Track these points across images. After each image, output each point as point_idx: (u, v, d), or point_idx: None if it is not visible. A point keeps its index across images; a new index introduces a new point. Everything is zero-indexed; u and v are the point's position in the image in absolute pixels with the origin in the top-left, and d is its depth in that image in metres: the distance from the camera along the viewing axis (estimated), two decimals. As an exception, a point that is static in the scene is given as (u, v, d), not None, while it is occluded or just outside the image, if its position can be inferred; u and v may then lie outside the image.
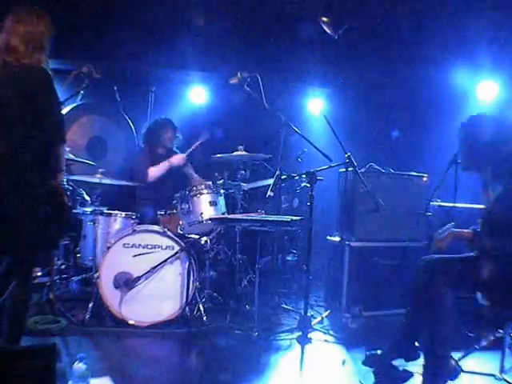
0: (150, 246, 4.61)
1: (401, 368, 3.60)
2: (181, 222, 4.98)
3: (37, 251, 3.33)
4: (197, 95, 7.61)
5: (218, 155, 5.32)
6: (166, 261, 4.58)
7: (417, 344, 3.59)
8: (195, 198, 4.97)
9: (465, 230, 3.55)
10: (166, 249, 4.63)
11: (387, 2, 5.98)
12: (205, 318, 4.62)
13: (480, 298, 3.49)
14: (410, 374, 3.56)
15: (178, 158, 5.75)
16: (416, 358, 3.58)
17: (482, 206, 3.62)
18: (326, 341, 4.43)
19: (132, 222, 5.10)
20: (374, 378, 3.57)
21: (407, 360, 3.61)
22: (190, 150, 5.81)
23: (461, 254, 3.63)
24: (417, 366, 3.57)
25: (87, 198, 5.46)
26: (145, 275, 4.54)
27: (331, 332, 4.62)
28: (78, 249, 5.37)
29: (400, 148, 7.03)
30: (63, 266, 5.41)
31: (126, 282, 4.51)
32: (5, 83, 3.10)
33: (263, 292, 4.93)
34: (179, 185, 5.70)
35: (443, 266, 3.40)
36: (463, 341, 4.03)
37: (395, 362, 3.62)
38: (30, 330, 4.01)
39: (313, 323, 4.63)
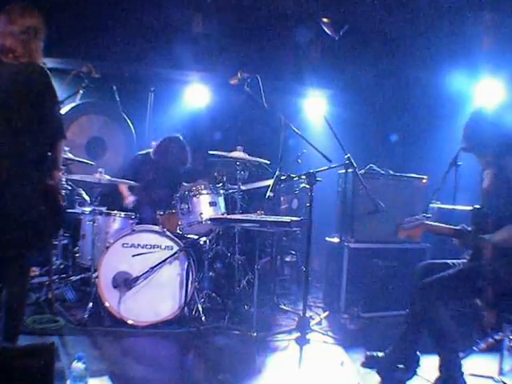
0: (149, 246, 4.61)
1: (402, 367, 3.60)
2: (180, 222, 4.97)
3: (29, 249, 3.31)
4: (196, 95, 7.61)
5: (216, 153, 5.31)
6: (164, 261, 4.57)
7: (418, 353, 3.59)
8: (195, 198, 4.96)
9: (444, 225, 3.55)
10: (165, 249, 4.63)
11: (387, 3, 5.99)
12: (203, 319, 4.62)
13: (479, 301, 3.50)
14: (412, 374, 3.57)
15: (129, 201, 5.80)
16: (416, 366, 3.58)
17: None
18: (324, 342, 4.43)
19: (131, 221, 5.10)
20: (378, 377, 3.57)
21: (408, 368, 3.60)
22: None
23: (458, 255, 3.65)
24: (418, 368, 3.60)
25: (86, 197, 5.45)
26: (144, 275, 4.53)
27: (330, 333, 4.62)
28: (76, 248, 5.38)
29: (400, 149, 7.04)
30: (62, 266, 5.41)
31: (124, 282, 4.51)
32: (3, 82, 3.09)
33: (262, 293, 4.92)
34: (175, 187, 5.71)
35: (439, 288, 3.38)
36: (462, 343, 4.03)
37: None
38: (28, 329, 4.02)
39: (311, 324, 4.62)
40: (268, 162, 5.39)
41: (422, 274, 3.62)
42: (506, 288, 3.28)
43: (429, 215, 3.74)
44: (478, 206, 3.52)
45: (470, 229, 3.50)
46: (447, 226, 3.55)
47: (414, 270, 3.78)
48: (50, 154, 3.20)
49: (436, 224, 3.57)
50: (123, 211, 5.23)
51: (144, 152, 5.94)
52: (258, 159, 5.32)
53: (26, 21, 3.18)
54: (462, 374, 3.32)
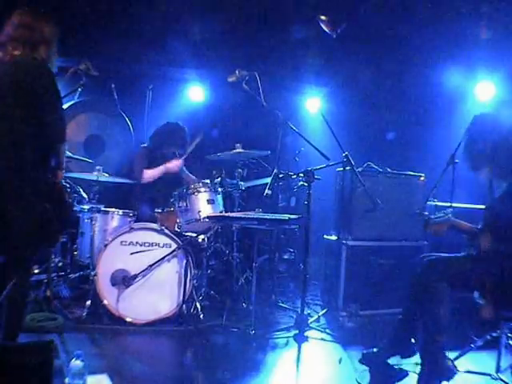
0: (147, 244, 4.61)
1: (396, 367, 3.61)
2: (178, 220, 4.97)
3: (36, 248, 3.32)
4: (194, 93, 7.61)
5: (215, 154, 5.33)
6: (163, 259, 4.58)
7: (413, 341, 3.60)
8: (193, 196, 4.96)
9: (465, 223, 3.57)
10: (163, 247, 4.63)
11: (385, 1, 5.99)
12: (202, 316, 4.63)
13: (477, 297, 3.51)
14: (405, 373, 3.58)
15: (174, 164, 5.75)
16: (411, 354, 3.60)
17: (482, 206, 3.63)
18: (322, 339, 4.44)
19: (129, 219, 5.10)
20: (369, 376, 3.58)
21: (403, 357, 3.62)
22: (186, 154, 5.80)
23: (461, 250, 3.66)
24: (412, 365, 3.60)
25: (84, 195, 5.46)
26: (142, 273, 4.54)
27: (328, 330, 4.63)
28: (75, 246, 5.37)
29: (398, 147, 7.05)
30: (60, 264, 5.41)
31: (123, 280, 4.52)
32: (7, 79, 3.09)
33: (260, 290, 4.93)
34: (175, 183, 5.71)
35: (442, 265, 3.41)
36: (460, 340, 4.04)
37: (391, 361, 3.63)
38: (27, 327, 4.01)
39: (309, 322, 4.65)
40: (268, 152, 5.37)
41: (423, 267, 3.62)
42: (505, 285, 3.29)
43: (426, 213, 3.75)
44: (487, 207, 3.52)
45: (479, 227, 3.52)
46: (468, 224, 3.57)
47: (415, 263, 3.78)
48: (52, 153, 3.21)
49: (460, 221, 3.59)
50: (122, 209, 5.23)
51: (145, 145, 5.94)
52: (257, 152, 5.31)
53: (38, 20, 3.21)
54: (447, 355, 3.32)
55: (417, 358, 3.55)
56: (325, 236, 5.53)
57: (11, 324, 3.19)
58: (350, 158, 4.76)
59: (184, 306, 4.59)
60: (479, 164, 3.54)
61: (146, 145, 5.94)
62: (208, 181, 5.22)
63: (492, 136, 3.43)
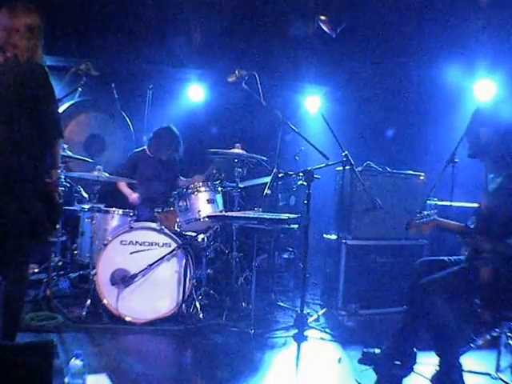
0: (147, 244, 4.62)
1: (399, 365, 3.61)
2: (178, 220, 4.98)
3: (24, 246, 3.31)
4: (194, 93, 7.63)
5: (214, 150, 5.31)
6: (162, 258, 4.58)
7: (415, 349, 3.60)
8: (193, 195, 4.97)
9: (452, 222, 3.56)
10: (162, 246, 4.64)
11: (384, 1, 5.99)
12: (201, 315, 4.64)
13: (478, 300, 3.50)
14: (408, 371, 3.58)
15: (132, 197, 5.83)
16: (413, 363, 3.59)
17: (476, 205, 3.63)
18: (322, 338, 4.44)
19: (129, 219, 5.10)
20: (375, 374, 3.59)
21: (404, 365, 3.62)
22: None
23: (455, 251, 3.65)
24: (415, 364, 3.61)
25: (85, 195, 5.46)
26: (142, 272, 4.54)
27: (327, 330, 4.63)
28: (75, 246, 5.39)
29: (397, 147, 7.05)
30: (60, 263, 5.42)
31: (122, 279, 4.52)
32: (4, 79, 3.10)
33: (259, 289, 4.92)
34: (173, 183, 5.73)
35: (438, 287, 3.37)
36: (459, 340, 4.04)
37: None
38: (26, 326, 4.03)
39: (309, 321, 4.65)
40: (265, 158, 5.38)
41: (419, 272, 3.63)
42: (503, 285, 3.29)
43: (426, 212, 3.74)
44: (481, 202, 3.52)
45: (472, 226, 3.50)
46: (455, 222, 3.56)
47: (412, 267, 3.80)
48: (48, 152, 3.22)
49: (446, 221, 3.59)
50: (122, 208, 5.24)
51: (140, 149, 5.96)
52: (255, 155, 5.31)
53: (31, 18, 3.20)
54: (461, 372, 3.32)
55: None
56: (324, 235, 5.53)
57: (9, 323, 3.19)
58: (350, 158, 4.76)
59: (183, 305, 4.59)
60: (476, 152, 3.54)
61: (139, 149, 5.96)
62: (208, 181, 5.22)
63: (492, 128, 3.43)
